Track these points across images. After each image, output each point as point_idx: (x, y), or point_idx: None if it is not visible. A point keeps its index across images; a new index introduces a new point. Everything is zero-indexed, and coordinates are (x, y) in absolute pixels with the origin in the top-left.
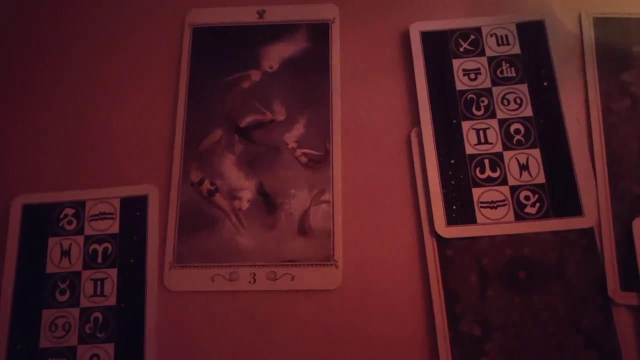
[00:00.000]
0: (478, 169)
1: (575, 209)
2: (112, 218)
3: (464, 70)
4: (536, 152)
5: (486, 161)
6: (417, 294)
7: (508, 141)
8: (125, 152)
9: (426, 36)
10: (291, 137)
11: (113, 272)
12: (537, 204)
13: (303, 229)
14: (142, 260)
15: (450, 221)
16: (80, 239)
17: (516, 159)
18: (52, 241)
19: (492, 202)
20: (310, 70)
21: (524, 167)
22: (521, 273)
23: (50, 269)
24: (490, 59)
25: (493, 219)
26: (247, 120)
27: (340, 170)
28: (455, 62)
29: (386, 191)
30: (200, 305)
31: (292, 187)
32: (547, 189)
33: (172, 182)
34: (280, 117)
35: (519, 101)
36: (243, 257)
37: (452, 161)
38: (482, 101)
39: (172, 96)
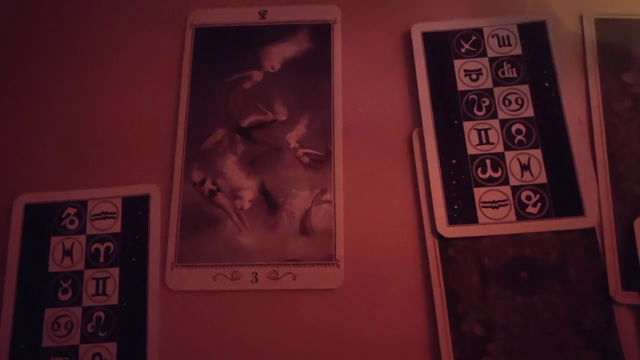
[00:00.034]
0: (479, 169)
1: (577, 209)
2: (114, 217)
3: (465, 70)
4: (537, 153)
5: (488, 161)
6: (418, 294)
7: (509, 141)
8: (127, 152)
9: (428, 37)
10: (293, 137)
11: (115, 272)
12: (539, 204)
13: (305, 229)
14: (144, 259)
15: (452, 221)
16: (82, 238)
17: (517, 159)
18: (54, 240)
19: (493, 202)
20: (312, 70)
21: (525, 167)
22: (523, 273)
23: (52, 268)
24: (491, 60)
25: (494, 219)
26: (249, 120)
27: (341, 170)
28: (457, 63)
29: (388, 191)
30: (202, 304)
31: (293, 186)
32: (548, 189)
33: (174, 181)
34: (282, 117)
35: (520, 102)
36: (245, 256)
37: (454, 161)
38: (484, 102)
39: (174, 96)
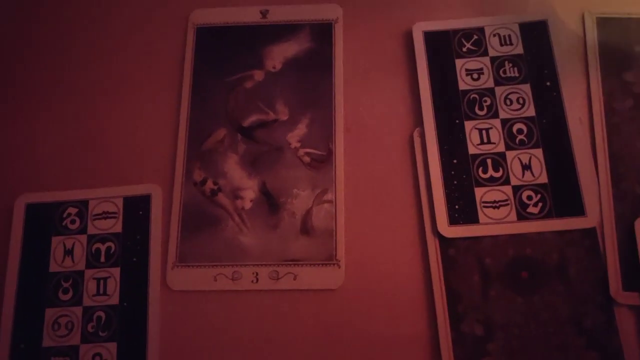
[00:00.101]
0: (481, 169)
1: (578, 209)
2: (115, 217)
3: (466, 70)
4: (539, 152)
5: (489, 161)
6: (419, 294)
7: (511, 141)
8: (128, 152)
9: (429, 36)
10: (294, 137)
11: (116, 271)
12: (540, 204)
13: (306, 229)
14: (145, 259)
15: (453, 221)
16: (83, 238)
17: (519, 158)
18: (55, 240)
19: (494, 201)
20: (313, 70)
21: (526, 167)
22: (523, 273)
23: (53, 268)
24: (493, 59)
25: (495, 219)
26: (250, 119)
27: (342, 170)
28: (458, 62)
29: (389, 191)
30: (203, 304)
31: (294, 186)
32: (549, 188)
33: (175, 181)
34: (283, 116)
35: (521, 101)
36: (246, 256)
37: (455, 161)
38: (485, 101)
39: (175, 96)
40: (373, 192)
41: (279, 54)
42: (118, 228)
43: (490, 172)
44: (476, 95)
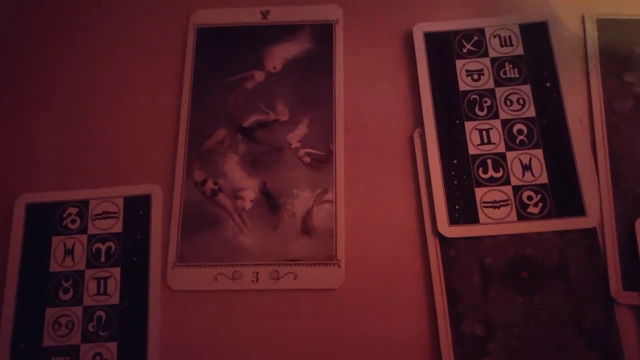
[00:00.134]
0: (481, 169)
1: (578, 209)
2: (115, 217)
3: (467, 71)
4: (539, 153)
5: (489, 161)
6: (419, 294)
7: (511, 141)
8: (129, 152)
9: (429, 37)
10: (294, 137)
11: (116, 271)
12: (540, 204)
13: (306, 229)
14: (145, 259)
15: (453, 221)
16: (83, 238)
17: (519, 159)
18: (55, 240)
19: (494, 202)
20: (314, 70)
21: (526, 167)
22: (524, 273)
23: (53, 267)
24: (493, 60)
25: (496, 219)
26: (251, 120)
27: (343, 170)
28: (459, 63)
29: (389, 191)
30: (203, 304)
31: (295, 186)
32: (549, 189)
33: (176, 181)
34: (284, 117)
35: (522, 102)
36: (246, 256)
37: (455, 161)
38: (485, 102)
39: (175, 96)
40: (373, 192)
41: (280, 55)
42: (118, 228)
43: (491, 172)
44: (476, 96)
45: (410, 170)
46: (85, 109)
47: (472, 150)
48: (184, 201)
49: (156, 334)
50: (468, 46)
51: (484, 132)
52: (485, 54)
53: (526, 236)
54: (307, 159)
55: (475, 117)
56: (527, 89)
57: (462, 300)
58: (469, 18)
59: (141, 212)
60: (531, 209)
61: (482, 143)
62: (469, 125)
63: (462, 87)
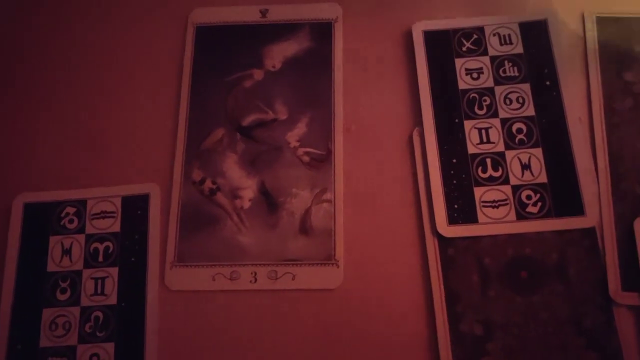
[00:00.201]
0: (480, 168)
1: (577, 209)
2: (113, 217)
3: (466, 69)
4: (538, 152)
5: (488, 160)
6: (418, 294)
7: (510, 140)
8: (127, 151)
9: (429, 35)
10: (293, 136)
11: (114, 271)
12: (539, 204)
13: (304, 228)
14: (143, 259)
15: (452, 220)
16: (81, 237)
17: (518, 158)
18: (53, 240)
19: (493, 201)
20: (313, 69)
21: (525, 167)
22: (523, 273)
23: (51, 267)
24: (492, 59)
25: (495, 219)
26: (249, 119)
27: (342, 170)
28: (458, 62)
29: (388, 190)
30: (201, 304)
31: (293, 186)
32: (549, 188)
33: (174, 180)
34: (283, 116)
35: (521, 100)
36: (244, 256)
37: (454, 160)
38: (485, 100)
39: (174, 95)
40: (372, 191)
41: (279, 53)
42: (116, 227)
43: (490, 171)
44: (476, 95)
45: (409, 169)
46: (84, 108)
47: (471, 150)
48: (182, 201)
49: (154, 334)
50: (467, 45)
51: (483, 131)
52: (485, 53)
53: (525, 236)
54: (306, 158)
55: (474, 116)
56: (526, 87)
57: (461, 299)
58: (468, 16)
59: (139, 212)
60: (530, 209)
61: (482, 142)
62: (468, 124)
63: (462, 85)
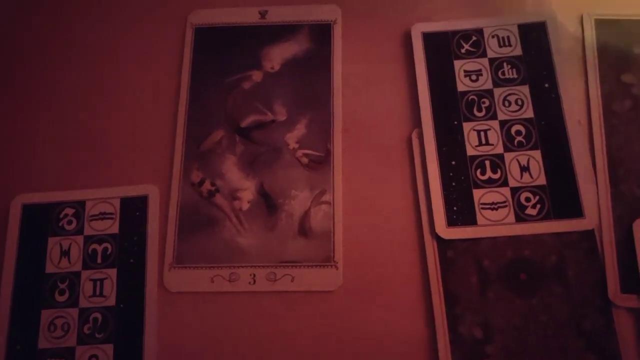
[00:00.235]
0: (479, 171)
1: (576, 211)
2: (112, 218)
3: (465, 71)
4: (537, 154)
5: (487, 162)
6: (417, 296)
7: (509, 142)
8: (126, 152)
9: (428, 37)
10: (292, 138)
11: (113, 273)
12: (538, 206)
13: (303, 230)
14: (142, 260)
15: (451, 222)
16: (80, 239)
17: (517, 160)
18: (51, 241)
19: (492, 203)
20: (312, 71)
21: (524, 169)
22: (522, 275)
23: (49, 269)
24: (491, 61)
25: (494, 221)
26: (248, 120)
27: (341, 171)
28: (457, 64)
29: (387, 192)
30: (200, 306)
31: (292, 187)
32: (547, 190)
33: (173, 182)
34: (282, 117)
35: (520, 102)
36: (243, 257)
37: (453, 162)
38: (483, 102)
39: (173, 96)
40: (371, 193)
41: (278, 55)
42: (115, 229)
43: (489, 173)
44: (475, 97)
45: (408, 171)
46: (83, 109)
47: (470, 152)
48: (181, 202)
49: (152, 335)
50: (466, 46)
51: (482, 133)
52: (484, 55)
53: (524, 238)
54: (305, 160)
55: (473, 118)
56: (525, 89)
57: (460, 302)
58: (467, 18)
59: (138, 213)
60: (529, 211)
61: (480, 144)
62: (467, 126)
63: (461, 87)
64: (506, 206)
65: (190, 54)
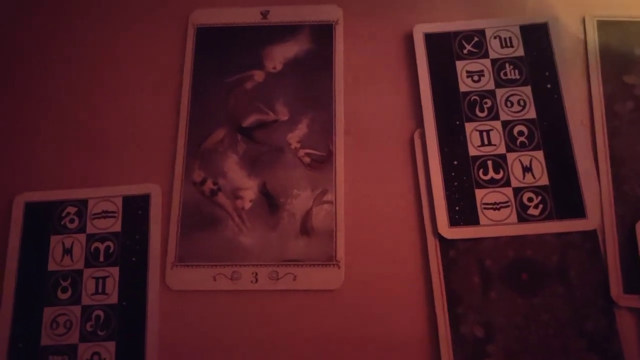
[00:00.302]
0: (481, 171)
1: (579, 211)
2: (114, 216)
3: (467, 72)
4: (539, 154)
5: (489, 163)
6: (419, 295)
7: (511, 143)
8: (128, 151)
9: (430, 38)
10: (294, 137)
11: (115, 271)
12: (540, 206)
13: (305, 229)
14: (144, 259)
15: (453, 222)
16: (82, 237)
17: (519, 160)
18: (54, 239)
19: (495, 203)
20: (314, 71)
21: (527, 169)
22: (524, 275)
23: (52, 267)
24: (493, 61)
25: (496, 221)
26: (250, 120)
27: (343, 171)
28: (459, 64)
29: (389, 192)
30: (202, 304)
31: (294, 187)
32: (550, 190)
33: (175, 181)
34: (284, 117)
35: (522, 103)
36: (245, 256)
37: (455, 162)
38: (486, 103)
39: (175, 95)
40: (373, 193)
41: (279, 55)
42: (117, 227)
43: (491, 173)
44: (477, 97)
45: (410, 171)
46: (85, 108)
47: (472, 152)
48: (183, 201)
49: (154, 333)
50: (468, 47)
51: (485, 134)
52: (486, 55)
53: (526, 238)
54: (307, 159)
55: (475, 119)
56: (527, 90)
57: (462, 301)
58: (469, 19)
59: (140, 212)
60: (531, 211)
61: (483, 144)
62: (469, 127)
63: (463, 88)
64: (508, 206)
65: (192, 53)
